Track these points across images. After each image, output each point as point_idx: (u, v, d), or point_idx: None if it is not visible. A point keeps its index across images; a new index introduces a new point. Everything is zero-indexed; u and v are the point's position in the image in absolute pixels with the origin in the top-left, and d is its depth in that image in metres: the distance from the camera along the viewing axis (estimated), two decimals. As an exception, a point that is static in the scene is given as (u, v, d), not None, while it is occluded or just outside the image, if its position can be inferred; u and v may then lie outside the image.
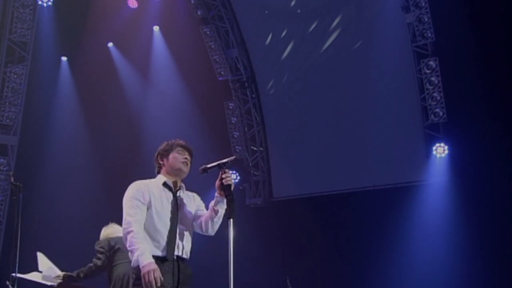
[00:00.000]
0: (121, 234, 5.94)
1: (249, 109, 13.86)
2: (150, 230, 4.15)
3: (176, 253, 4.16)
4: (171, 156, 4.36)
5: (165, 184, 4.31)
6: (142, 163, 12.43)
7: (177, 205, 4.25)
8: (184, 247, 4.22)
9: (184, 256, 4.22)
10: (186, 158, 4.36)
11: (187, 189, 4.45)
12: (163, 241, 4.13)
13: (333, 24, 12.80)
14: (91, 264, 6.24)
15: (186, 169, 4.35)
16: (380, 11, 12.21)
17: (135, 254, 4.02)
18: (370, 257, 11.57)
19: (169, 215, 4.20)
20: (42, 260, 6.37)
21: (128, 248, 4.08)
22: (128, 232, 4.07)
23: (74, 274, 6.27)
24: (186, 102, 13.46)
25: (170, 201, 4.25)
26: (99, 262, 6.26)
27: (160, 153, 4.41)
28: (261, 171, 13.88)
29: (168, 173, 4.35)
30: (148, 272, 3.94)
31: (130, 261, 4.15)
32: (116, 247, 6.20)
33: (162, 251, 4.12)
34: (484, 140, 10.91)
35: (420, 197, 11.80)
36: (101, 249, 6.30)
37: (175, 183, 4.35)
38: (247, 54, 13.76)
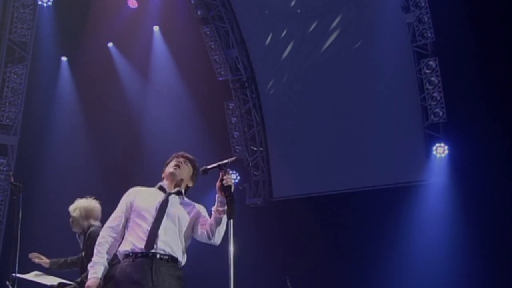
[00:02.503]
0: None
1: (249, 109, 13.86)
2: (131, 226, 4.21)
3: (155, 249, 4.10)
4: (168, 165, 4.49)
5: (160, 187, 4.40)
6: (142, 163, 12.47)
7: (166, 205, 4.26)
8: (170, 245, 4.15)
9: (168, 253, 4.14)
10: (178, 161, 4.42)
11: (193, 200, 4.46)
12: (144, 235, 4.13)
13: (333, 24, 12.80)
14: (80, 255, 5.95)
15: (177, 172, 4.38)
16: (380, 11, 12.21)
17: (89, 264, 4.18)
18: (370, 257, 11.57)
19: (153, 212, 4.21)
20: (37, 276, 6.26)
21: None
22: (99, 238, 4.27)
23: (61, 260, 6.13)
24: (186, 102, 13.46)
25: (159, 200, 4.28)
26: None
27: (164, 165, 4.53)
28: (261, 171, 13.88)
29: (165, 180, 4.44)
30: (89, 287, 4.09)
31: None
32: None
33: (141, 246, 4.11)
34: (484, 140, 10.90)
35: (420, 197, 11.80)
36: None
37: (171, 187, 4.39)
38: (247, 54, 13.76)
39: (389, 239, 11.45)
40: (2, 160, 11.89)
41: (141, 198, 4.31)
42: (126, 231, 4.24)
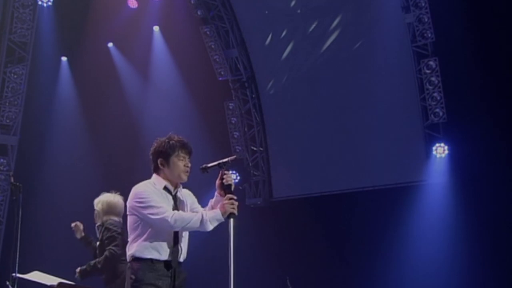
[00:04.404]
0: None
1: (249, 109, 13.86)
2: (154, 236, 4.10)
3: (179, 259, 4.18)
4: (172, 161, 4.24)
5: (165, 188, 4.26)
6: (142, 163, 12.43)
7: (177, 209, 4.22)
8: (184, 252, 4.24)
9: (182, 260, 4.23)
10: (188, 167, 4.28)
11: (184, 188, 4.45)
12: (167, 246, 4.11)
13: (333, 24, 12.79)
14: (107, 254, 5.86)
15: (186, 178, 4.30)
16: (380, 11, 12.20)
17: (203, 221, 4.05)
18: (370, 257, 11.57)
19: None
20: (37, 276, 6.25)
21: (187, 227, 4.07)
22: (174, 221, 4.03)
23: (89, 265, 6.01)
24: (186, 102, 13.46)
25: (171, 205, 4.20)
26: (118, 250, 5.79)
27: (160, 154, 4.27)
28: (261, 171, 13.88)
29: (167, 178, 4.27)
30: (227, 207, 4.05)
31: None
32: None
33: (166, 256, 4.11)
34: (484, 140, 10.90)
35: (420, 197, 11.79)
36: (119, 232, 5.88)
37: (174, 186, 4.31)
38: (247, 54, 13.76)
39: (389, 239, 11.45)
40: (2, 160, 11.89)
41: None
42: (145, 231, 4.11)
